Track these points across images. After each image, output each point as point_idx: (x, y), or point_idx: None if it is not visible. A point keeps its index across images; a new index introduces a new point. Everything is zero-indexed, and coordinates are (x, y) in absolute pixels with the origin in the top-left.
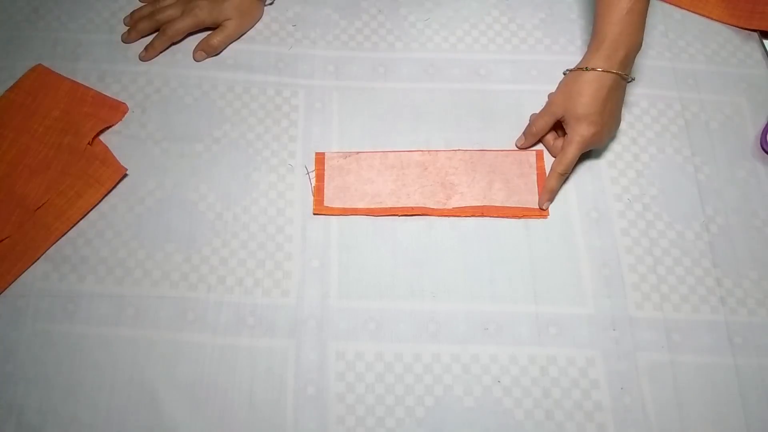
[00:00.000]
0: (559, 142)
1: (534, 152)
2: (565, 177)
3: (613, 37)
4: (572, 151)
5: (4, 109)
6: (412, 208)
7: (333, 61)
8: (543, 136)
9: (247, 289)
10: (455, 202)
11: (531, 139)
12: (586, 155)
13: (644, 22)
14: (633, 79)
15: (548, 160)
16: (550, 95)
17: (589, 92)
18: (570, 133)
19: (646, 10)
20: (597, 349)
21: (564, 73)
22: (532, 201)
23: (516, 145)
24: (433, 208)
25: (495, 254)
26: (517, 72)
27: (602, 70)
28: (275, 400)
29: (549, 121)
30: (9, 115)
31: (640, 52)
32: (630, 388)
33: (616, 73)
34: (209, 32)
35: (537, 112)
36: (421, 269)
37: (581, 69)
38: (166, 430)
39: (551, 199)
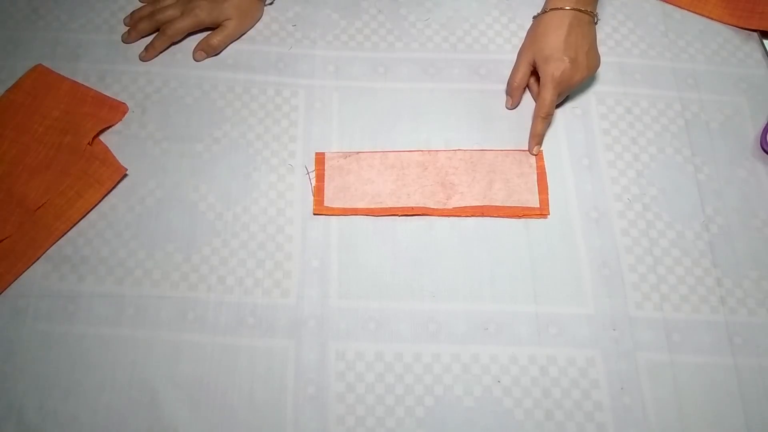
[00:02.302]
0: None
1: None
2: (548, 120)
3: None
4: (548, 93)
5: (4, 109)
6: (412, 208)
7: (333, 61)
8: (526, 87)
9: (247, 289)
10: (455, 202)
11: (515, 93)
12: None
13: None
14: (597, 18)
15: (548, 160)
16: (521, 47)
17: (552, 31)
18: (542, 76)
19: None
20: (597, 349)
21: (533, 18)
22: (532, 200)
23: (506, 107)
24: (433, 208)
25: (495, 254)
26: None
27: (561, 8)
28: (275, 400)
29: (525, 70)
30: (9, 115)
31: (639, 52)
32: (630, 388)
33: (575, 9)
34: (209, 32)
35: (532, 112)
36: (421, 269)
37: (543, 10)
38: (166, 430)
39: (539, 143)
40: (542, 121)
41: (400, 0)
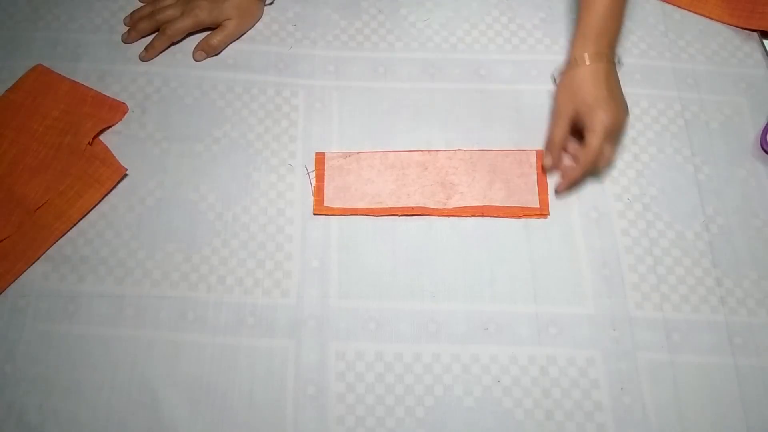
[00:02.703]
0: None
1: (534, 152)
2: (590, 170)
3: (597, 26)
4: (595, 141)
5: (4, 109)
6: (412, 208)
7: (333, 61)
8: (565, 145)
9: (247, 289)
10: (455, 202)
11: (555, 150)
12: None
13: (624, 9)
14: (621, 62)
15: None
16: (553, 105)
17: (589, 82)
18: (591, 124)
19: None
20: (597, 349)
21: (552, 76)
22: (533, 201)
23: (544, 166)
24: (433, 208)
25: (495, 254)
26: (517, 72)
27: (592, 63)
28: (275, 400)
29: (564, 125)
30: (9, 115)
31: (640, 52)
32: (630, 388)
33: (605, 61)
34: (209, 32)
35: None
36: (421, 269)
37: (572, 66)
38: (166, 430)
39: (568, 189)
40: (582, 170)
41: (400, 0)
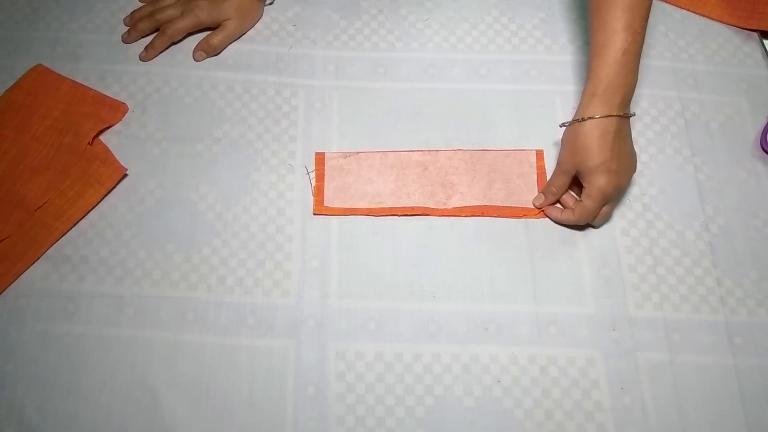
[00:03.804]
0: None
1: (534, 151)
2: (580, 223)
3: (608, 80)
4: (590, 204)
5: (4, 109)
6: (413, 208)
7: (333, 61)
8: (562, 195)
9: (247, 289)
10: (455, 202)
11: (551, 197)
12: None
13: (638, 63)
14: (634, 114)
15: (548, 160)
16: (559, 155)
17: (595, 142)
18: (589, 188)
19: (641, 51)
20: (597, 349)
21: (561, 126)
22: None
23: (534, 205)
24: (433, 208)
25: (495, 254)
26: (517, 72)
27: (601, 117)
28: (275, 400)
29: (565, 180)
30: (9, 115)
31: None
32: (630, 388)
33: (615, 115)
34: (209, 32)
35: (532, 112)
36: (421, 269)
37: (580, 120)
38: (166, 430)
39: (552, 219)
40: (572, 220)
41: (400, 0)
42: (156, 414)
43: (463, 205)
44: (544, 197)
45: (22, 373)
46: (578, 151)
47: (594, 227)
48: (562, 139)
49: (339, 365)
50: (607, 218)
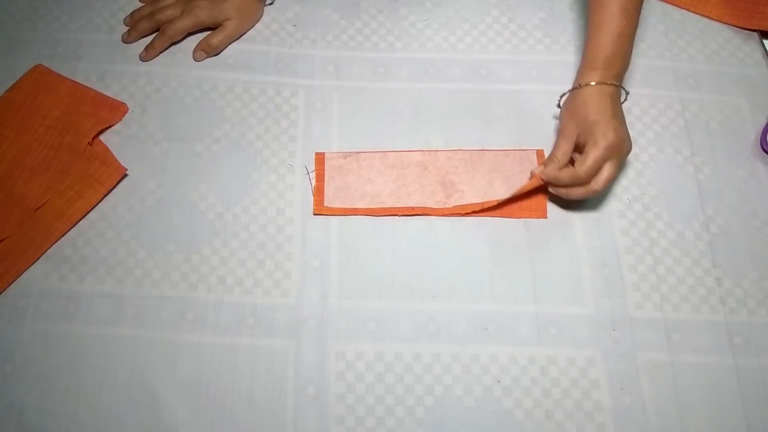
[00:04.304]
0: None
1: (534, 151)
2: (580, 183)
3: (604, 57)
4: (595, 150)
5: (4, 109)
6: (413, 208)
7: (333, 61)
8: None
9: (247, 289)
10: (455, 201)
11: (553, 167)
12: None
13: (632, 47)
14: (628, 94)
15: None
16: (558, 125)
17: (594, 101)
18: (591, 139)
19: (634, 35)
20: (597, 349)
21: (558, 101)
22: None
23: (531, 172)
24: (433, 208)
25: (495, 254)
26: (517, 72)
27: (599, 83)
28: (275, 400)
29: (566, 147)
30: (9, 115)
31: (640, 52)
32: (630, 388)
33: (612, 84)
34: (209, 32)
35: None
36: (421, 269)
37: (578, 87)
38: (166, 430)
39: (547, 178)
40: (573, 179)
41: (400, 0)
42: (156, 414)
43: (464, 203)
44: (545, 167)
45: (22, 373)
46: (577, 111)
47: (597, 193)
48: (560, 112)
49: (339, 365)
50: (611, 181)
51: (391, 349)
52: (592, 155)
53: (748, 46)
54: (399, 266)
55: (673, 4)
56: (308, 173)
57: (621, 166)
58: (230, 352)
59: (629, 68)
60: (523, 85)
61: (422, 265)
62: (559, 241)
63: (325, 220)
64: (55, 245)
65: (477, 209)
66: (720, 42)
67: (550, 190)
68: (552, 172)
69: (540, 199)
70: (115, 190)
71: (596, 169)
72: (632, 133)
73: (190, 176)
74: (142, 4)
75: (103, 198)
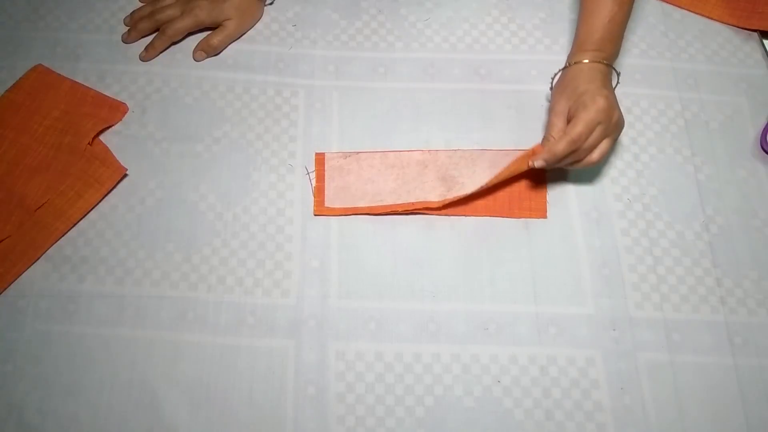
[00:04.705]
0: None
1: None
2: (572, 146)
3: (596, 40)
4: (586, 114)
5: (4, 109)
6: (413, 203)
7: (333, 61)
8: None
9: (247, 289)
10: (456, 192)
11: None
12: None
13: (623, 35)
14: (619, 75)
15: None
16: (550, 104)
17: (585, 75)
18: (581, 106)
19: (626, 23)
20: (597, 349)
21: (551, 81)
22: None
23: (533, 165)
24: (434, 201)
25: (495, 254)
26: (517, 72)
27: (591, 62)
28: (275, 400)
29: (559, 123)
30: (9, 115)
31: (640, 52)
32: (630, 388)
33: (603, 63)
34: (209, 32)
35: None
36: (421, 269)
37: (568, 66)
38: (166, 430)
39: (547, 162)
40: (568, 144)
41: (400, 0)
42: (156, 414)
43: (465, 192)
44: (542, 146)
45: (22, 373)
46: (568, 86)
47: (594, 163)
48: (552, 92)
49: (339, 365)
50: (605, 154)
51: (391, 349)
52: (582, 117)
53: (748, 46)
54: (399, 266)
55: (673, 4)
56: (308, 174)
57: (615, 136)
58: (230, 352)
59: (629, 68)
60: (523, 85)
61: (422, 265)
62: (559, 241)
63: (325, 220)
64: (55, 245)
65: (477, 204)
66: (720, 42)
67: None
68: (550, 151)
69: (540, 199)
70: (115, 190)
71: (588, 131)
72: (632, 133)
73: (190, 176)
74: (142, 4)
75: (103, 198)
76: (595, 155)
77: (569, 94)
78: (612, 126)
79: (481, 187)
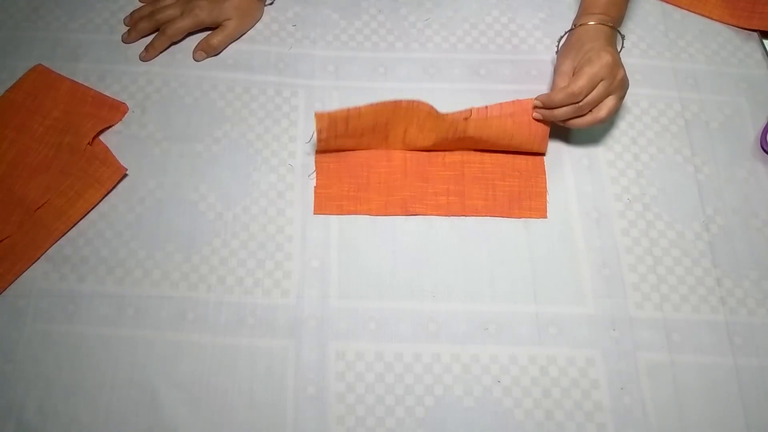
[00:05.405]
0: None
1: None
2: (572, 100)
3: (600, 4)
4: (587, 71)
5: (4, 109)
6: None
7: (333, 61)
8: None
9: (247, 289)
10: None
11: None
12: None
13: (627, 5)
14: (624, 38)
15: (548, 160)
16: (555, 66)
17: (590, 36)
18: (585, 62)
19: None
20: (597, 349)
21: (557, 45)
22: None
23: (534, 118)
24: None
25: (495, 254)
26: (517, 72)
27: (596, 23)
28: (275, 400)
29: (563, 82)
30: (9, 115)
31: (640, 52)
32: (630, 388)
33: (608, 25)
34: (209, 32)
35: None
36: (421, 269)
37: (573, 28)
38: (166, 430)
39: (544, 104)
40: (567, 97)
41: (400, 0)
42: (156, 414)
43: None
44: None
45: (22, 373)
46: (573, 46)
47: (602, 121)
48: (557, 56)
49: (339, 365)
50: (612, 112)
51: (391, 349)
52: (586, 71)
53: (748, 46)
54: (399, 266)
55: (673, 4)
56: (309, 174)
57: (622, 94)
58: (230, 352)
59: (629, 68)
60: (523, 85)
61: (422, 265)
62: (559, 241)
63: (325, 219)
64: (55, 245)
65: (479, 206)
66: (720, 42)
67: (554, 120)
68: (548, 96)
69: (540, 199)
70: (115, 190)
71: (591, 86)
72: (632, 133)
73: (190, 176)
74: (142, 4)
75: (103, 198)
76: (603, 112)
77: (574, 54)
78: (617, 83)
79: (487, 106)
